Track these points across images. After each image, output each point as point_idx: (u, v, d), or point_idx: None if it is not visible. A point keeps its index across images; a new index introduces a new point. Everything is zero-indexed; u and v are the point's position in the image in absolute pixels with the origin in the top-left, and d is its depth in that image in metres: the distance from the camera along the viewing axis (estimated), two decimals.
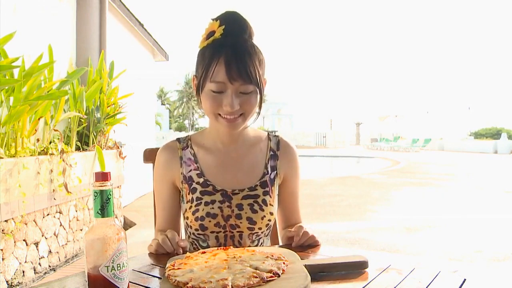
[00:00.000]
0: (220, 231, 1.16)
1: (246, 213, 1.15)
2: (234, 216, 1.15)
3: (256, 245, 1.19)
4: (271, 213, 1.18)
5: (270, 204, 1.17)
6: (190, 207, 1.16)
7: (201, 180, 1.17)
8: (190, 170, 1.19)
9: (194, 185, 1.17)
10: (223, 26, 1.08)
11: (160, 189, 1.23)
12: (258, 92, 1.09)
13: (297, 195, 1.27)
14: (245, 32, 1.11)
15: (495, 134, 27.92)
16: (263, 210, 1.16)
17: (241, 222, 1.15)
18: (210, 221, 1.14)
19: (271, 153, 1.23)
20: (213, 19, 1.12)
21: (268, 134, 1.28)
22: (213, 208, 1.14)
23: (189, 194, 1.18)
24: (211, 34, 1.10)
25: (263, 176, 1.19)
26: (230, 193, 1.16)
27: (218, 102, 1.07)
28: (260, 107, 1.13)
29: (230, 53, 1.04)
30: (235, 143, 1.21)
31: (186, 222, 1.20)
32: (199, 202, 1.15)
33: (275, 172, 1.22)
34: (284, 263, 0.85)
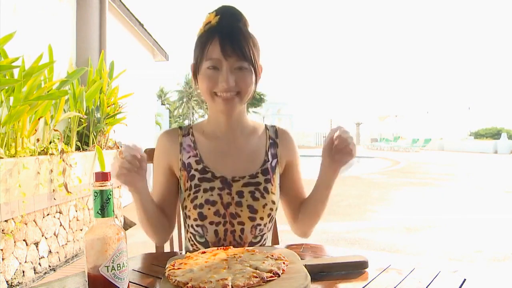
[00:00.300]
0: (220, 222, 1.13)
1: (247, 200, 1.14)
2: (234, 203, 1.13)
3: (259, 241, 1.18)
4: (273, 202, 1.17)
5: (272, 192, 1.17)
6: (189, 195, 1.15)
7: (200, 166, 1.17)
8: (189, 157, 1.19)
9: (193, 172, 1.17)
10: (219, 16, 1.12)
11: (157, 172, 1.23)
12: (253, 72, 1.11)
13: (301, 174, 1.29)
14: (240, 22, 1.14)
15: (495, 134, 27.93)
16: (264, 198, 1.15)
17: (241, 210, 1.13)
18: (209, 209, 1.13)
19: (271, 141, 1.24)
20: (210, 12, 1.15)
21: (265, 124, 1.29)
22: (212, 195, 1.13)
23: (187, 181, 1.17)
24: (207, 24, 1.14)
25: (264, 163, 1.19)
26: (230, 180, 1.15)
27: (214, 80, 1.09)
28: (255, 88, 1.15)
29: (225, 33, 1.08)
30: (235, 131, 1.21)
31: (185, 213, 1.18)
32: (197, 189, 1.14)
33: (276, 160, 1.22)
34: (284, 263, 0.85)
